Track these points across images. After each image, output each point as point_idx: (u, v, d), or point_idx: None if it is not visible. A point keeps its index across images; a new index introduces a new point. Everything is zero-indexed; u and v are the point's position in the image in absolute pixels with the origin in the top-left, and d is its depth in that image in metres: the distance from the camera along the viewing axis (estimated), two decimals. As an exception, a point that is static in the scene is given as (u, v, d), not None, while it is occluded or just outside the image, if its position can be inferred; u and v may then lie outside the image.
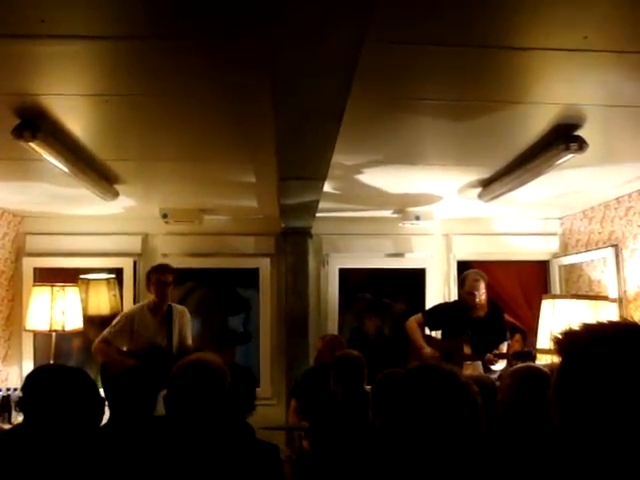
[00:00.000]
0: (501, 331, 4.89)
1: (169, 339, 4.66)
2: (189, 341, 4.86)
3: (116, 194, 4.59)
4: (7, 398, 4.91)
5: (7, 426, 4.49)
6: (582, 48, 2.30)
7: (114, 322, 4.71)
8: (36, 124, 3.00)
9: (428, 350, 4.84)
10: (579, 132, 3.22)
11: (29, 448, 2.23)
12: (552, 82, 2.69)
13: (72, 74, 2.60)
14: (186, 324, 4.86)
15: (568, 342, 1.16)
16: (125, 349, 4.66)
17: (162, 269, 4.76)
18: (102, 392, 3.24)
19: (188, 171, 4.26)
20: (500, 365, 4.62)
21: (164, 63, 2.45)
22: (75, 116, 3.10)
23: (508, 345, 4.90)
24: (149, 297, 4.80)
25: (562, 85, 2.73)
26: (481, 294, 4.81)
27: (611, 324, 1.16)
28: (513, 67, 2.56)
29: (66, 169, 3.56)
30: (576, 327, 1.16)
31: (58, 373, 2.45)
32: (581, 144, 3.23)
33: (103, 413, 2.79)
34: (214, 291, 6.48)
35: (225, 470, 2.16)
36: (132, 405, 2.81)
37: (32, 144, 3.06)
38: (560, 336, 1.17)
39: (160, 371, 2.86)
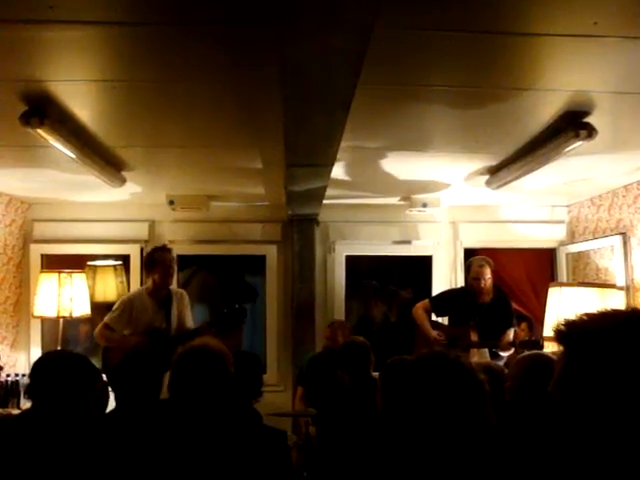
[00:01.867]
0: (508, 317, 4.90)
1: (167, 321, 4.65)
2: (189, 324, 4.84)
3: (123, 181, 4.59)
4: (16, 384, 4.95)
5: (16, 411, 4.53)
6: (592, 34, 2.28)
7: (114, 307, 4.70)
8: (44, 110, 3.00)
9: (434, 333, 4.87)
10: (588, 119, 3.20)
11: (37, 434, 2.25)
12: (561, 68, 2.67)
13: (80, 60, 2.60)
14: (185, 307, 4.85)
15: (570, 332, 1.16)
16: (126, 333, 4.68)
17: (167, 249, 4.76)
18: (105, 377, 3.27)
19: (195, 158, 4.25)
20: (508, 352, 4.64)
21: (172, 49, 2.44)
22: (83, 102, 3.10)
23: (515, 332, 4.91)
24: (148, 282, 4.77)
25: (571, 72, 2.70)
26: (486, 279, 4.83)
27: (612, 312, 1.16)
28: (522, 53, 2.54)
29: (73, 155, 3.56)
30: (576, 317, 1.16)
31: (63, 360, 2.47)
32: (590, 131, 3.21)
33: (108, 398, 2.81)
34: (220, 278, 6.50)
35: (233, 456, 2.17)
36: (136, 390, 2.82)
37: (40, 131, 3.06)
38: (561, 326, 1.17)
39: (160, 353, 2.87)
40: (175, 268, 4.80)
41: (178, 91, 2.94)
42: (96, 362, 4.48)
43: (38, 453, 2.22)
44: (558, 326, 1.18)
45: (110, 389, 3.01)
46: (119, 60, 2.59)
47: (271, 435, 2.43)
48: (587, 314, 1.16)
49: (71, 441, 2.27)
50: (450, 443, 1.50)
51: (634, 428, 1.04)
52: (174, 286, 5.10)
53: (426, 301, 5.17)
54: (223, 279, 6.53)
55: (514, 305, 5.35)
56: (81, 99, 3.05)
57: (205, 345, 2.32)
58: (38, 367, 2.45)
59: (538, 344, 4.43)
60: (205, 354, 2.25)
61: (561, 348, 1.19)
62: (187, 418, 2.19)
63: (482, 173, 4.55)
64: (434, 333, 4.87)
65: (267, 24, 2.15)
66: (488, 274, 4.85)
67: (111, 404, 3.00)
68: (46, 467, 2.20)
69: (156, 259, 4.68)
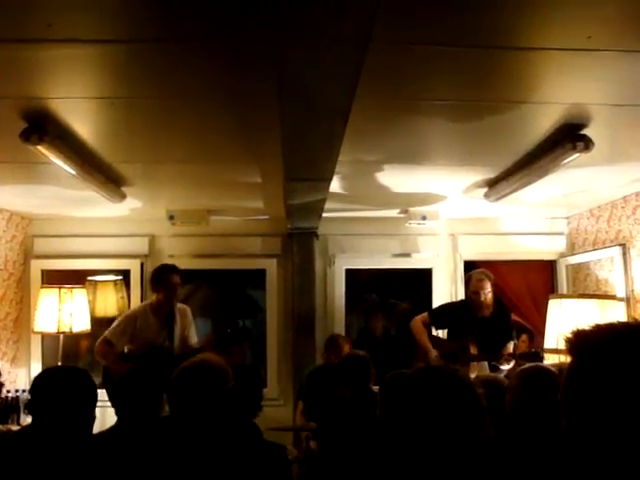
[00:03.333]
0: (507, 331, 4.87)
1: (170, 339, 4.62)
2: (193, 340, 4.79)
3: (123, 196, 4.61)
4: (16, 399, 4.94)
5: (16, 427, 4.51)
6: (586, 48, 2.29)
7: (116, 323, 4.66)
8: (43, 127, 3.02)
9: (434, 353, 4.83)
10: (585, 131, 3.21)
11: (37, 450, 2.25)
12: (557, 82, 2.69)
13: (79, 77, 2.62)
14: (189, 323, 4.81)
15: (579, 342, 1.16)
16: (126, 349, 4.65)
17: (175, 270, 4.69)
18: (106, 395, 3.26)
19: (194, 172, 4.27)
20: (508, 365, 4.62)
21: (170, 66, 2.46)
22: (82, 119, 3.12)
23: (515, 345, 4.89)
24: (153, 297, 4.75)
25: (567, 85, 2.72)
26: (486, 293, 4.80)
27: (622, 324, 1.16)
28: (518, 67, 2.56)
29: (73, 172, 3.58)
30: (587, 327, 1.16)
31: (63, 375, 2.48)
32: (587, 143, 3.22)
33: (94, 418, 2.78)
34: (223, 292, 6.50)
35: (232, 471, 2.16)
36: (137, 406, 2.81)
37: (39, 147, 3.08)
38: (571, 336, 1.17)
39: (163, 372, 2.84)
40: (180, 288, 4.76)
41: (176, 107, 2.96)
42: (96, 377, 4.50)
43: (38, 469, 2.22)
44: (568, 335, 1.18)
45: (111, 405, 3.01)
46: (118, 77, 2.61)
47: (271, 450, 2.43)
48: (597, 325, 1.16)
49: (71, 458, 2.26)
50: (448, 457, 1.49)
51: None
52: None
53: (425, 314, 5.14)
54: (226, 293, 6.53)
55: (514, 317, 5.33)
56: (80, 116, 3.07)
57: (204, 361, 2.32)
58: (38, 383, 2.45)
59: (538, 356, 4.41)
60: (204, 370, 2.25)
61: (569, 358, 1.19)
62: (186, 433, 2.18)
63: (480, 186, 4.56)
64: (433, 354, 4.84)
65: (264, 38, 2.17)
66: (488, 288, 4.82)
67: (112, 419, 2.98)
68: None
69: (163, 279, 4.64)
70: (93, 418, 2.50)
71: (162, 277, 4.65)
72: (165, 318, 4.67)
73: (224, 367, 2.29)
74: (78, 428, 2.34)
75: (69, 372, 2.54)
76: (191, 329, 4.83)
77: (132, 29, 2.18)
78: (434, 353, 4.82)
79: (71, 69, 2.51)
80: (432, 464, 1.50)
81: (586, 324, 1.18)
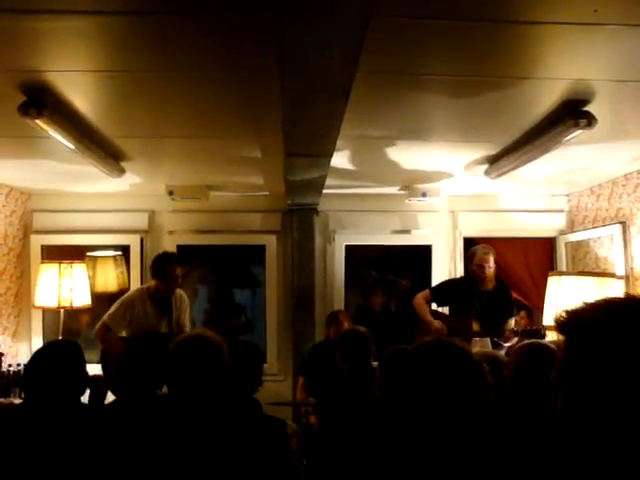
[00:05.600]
0: (508, 307, 4.91)
1: (169, 325, 4.61)
2: (187, 328, 4.77)
3: (122, 171, 4.59)
4: (17, 373, 4.98)
5: (18, 401, 4.55)
6: (592, 22, 2.26)
7: (113, 308, 4.65)
8: (42, 101, 2.99)
9: (436, 323, 4.87)
10: (588, 108, 3.19)
11: (29, 422, 2.28)
12: (561, 57, 2.66)
13: (78, 50, 2.59)
14: (185, 310, 4.81)
15: (572, 322, 1.16)
16: (125, 334, 4.63)
17: (174, 261, 4.66)
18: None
19: (194, 148, 4.24)
20: (510, 342, 4.65)
21: (170, 39, 2.43)
22: (81, 93, 3.09)
23: (515, 321, 4.92)
24: (151, 282, 4.73)
25: (571, 60, 2.69)
26: (490, 266, 4.84)
27: (610, 300, 1.16)
28: (521, 42, 2.53)
29: (72, 146, 3.56)
30: (577, 306, 1.16)
31: (50, 349, 2.51)
32: (590, 120, 3.20)
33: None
34: (221, 268, 6.51)
35: (232, 444, 2.18)
36: (136, 383, 2.83)
37: (38, 121, 3.06)
38: (563, 316, 1.17)
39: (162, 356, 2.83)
40: (180, 279, 4.75)
41: (176, 81, 2.93)
42: (95, 353, 4.52)
43: (38, 445, 2.24)
44: (559, 316, 1.18)
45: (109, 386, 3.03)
46: (117, 50, 2.58)
47: (270, 424, 2.45)
48: (586, 303, 1.16)
49: (66, 429, 2.29)
50: (450, 431, 1.50)
51: (634, 415, 1.04)
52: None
53: (426, 291, 5.17)
54: (223, 271, 6.54)
55: (514, 294, 5.35)
56: (79, 89, 3.04)
57: (199, 335, 2.33)
58: (34, 357, 2.49)
59: (540, 333, 4.43)
60: (199, 343, 2.26)
61: (562, 337, 1.19)
62: (185, 407, 2.19)
63: (481, 162, 4.55)
64: (436, 323, 4.87)
65: (265, 12, 2.14)
66: (492, 261, 4.87)
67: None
68: (44, 456, 2.22)
69: (164, 271, 4.60)
70: (82, 387, 2.54)
71: (163, 268, 4.61)
72: (162, 304, 4.65)
73: (219, 340, 2.30)
74: (66, 399, 2.37)
75: (55, 346, 2.59)
76: (186, 315, 4.82)
77: (132, 1, 2.15)
78: (437, 323, 4.86)
79: (70, 41, 2.47)
80: (433, 439, 1.51)
81: (575, 303, 1.18)
